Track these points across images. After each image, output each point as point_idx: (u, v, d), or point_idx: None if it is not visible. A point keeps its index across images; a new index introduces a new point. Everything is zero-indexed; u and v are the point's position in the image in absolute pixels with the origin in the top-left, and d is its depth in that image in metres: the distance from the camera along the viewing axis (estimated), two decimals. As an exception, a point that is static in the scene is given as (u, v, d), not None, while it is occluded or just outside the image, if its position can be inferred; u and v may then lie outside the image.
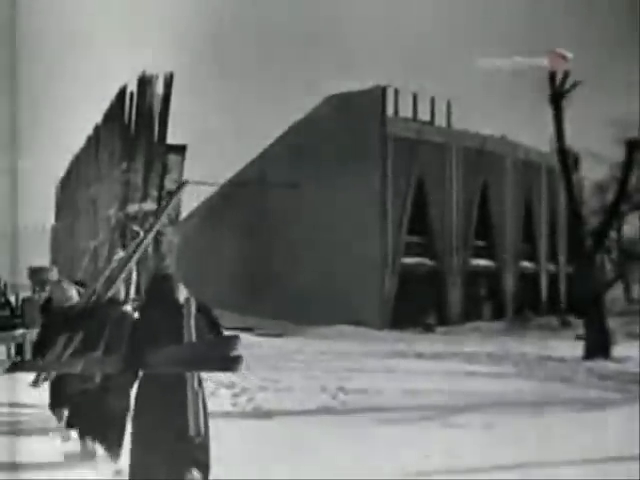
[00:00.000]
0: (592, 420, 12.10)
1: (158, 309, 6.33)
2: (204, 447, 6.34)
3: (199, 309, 6.41)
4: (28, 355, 16.97)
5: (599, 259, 28.34)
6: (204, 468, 6.31)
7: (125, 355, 6.47)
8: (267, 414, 11.84)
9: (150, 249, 30.96)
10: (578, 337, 24.35)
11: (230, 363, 6.43)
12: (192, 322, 6.17)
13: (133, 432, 6.42)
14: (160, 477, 6.13)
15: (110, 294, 7.89)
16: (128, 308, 8.15)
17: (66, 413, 8.97)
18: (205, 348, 6.32)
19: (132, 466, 6.30)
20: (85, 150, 39.89)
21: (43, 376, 11.30)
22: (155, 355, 6.17)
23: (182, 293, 6.40)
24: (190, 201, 39.28)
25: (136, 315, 6.98)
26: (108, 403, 7.86)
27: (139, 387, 6.41)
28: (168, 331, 6.17)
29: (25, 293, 19.05)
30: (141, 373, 6.41)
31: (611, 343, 22.81)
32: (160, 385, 6.22)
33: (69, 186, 44.23)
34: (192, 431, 6.17)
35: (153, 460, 6.16)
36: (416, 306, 35.00)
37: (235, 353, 6.43)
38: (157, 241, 31.45)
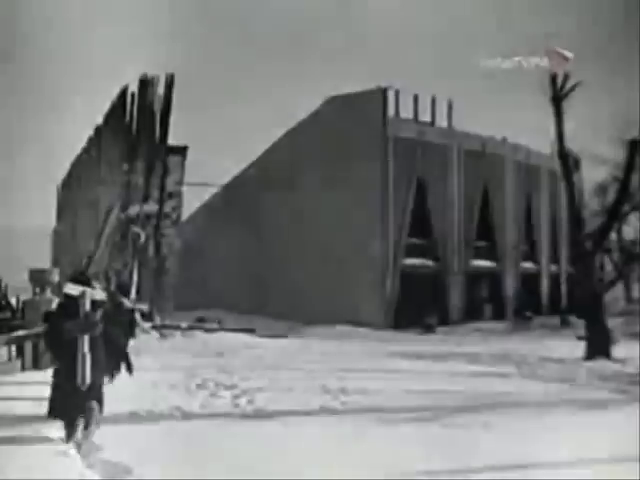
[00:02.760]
0: (593, 420, 12.10)
1: (68, 301, 9.41)
2: (92, 393, 9.14)
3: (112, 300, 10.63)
4: (28, 356, 17.06)
5: (599, 260, 28.35)
6: (90, 410, 9.20)
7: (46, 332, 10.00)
8: (268, 415, 11.85)
9: (151, 251, 31.02)
10: (579, 337, 24.36)
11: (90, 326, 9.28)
12: (85, 307, 9.21)
13: (53, 379, 9.51)
14: (66, 410, 9.19)
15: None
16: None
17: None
18: (85, 321, 9.22)
19: (51, 400, 9.51)
20: (86, 151, 39.91)
21: None
22: (63, 329, 9.18)
23: (75, 289, 9.37)
24: (192, 202, 39.33)
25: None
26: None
27: (55, 350, 9.64)
28: (74, 314, 9.19)
29: (26, 295, 19.08)
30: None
31: (612, 343, 22.82)
32: (65, 349, 9.14)
33: (70, 187, 44.27)
34: (79, 381, 8.99)
35: (62, 398, 9.24)
36: (417, 307, 35.02)
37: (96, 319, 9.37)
38: (158, 243, 31.49)
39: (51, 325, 9.66)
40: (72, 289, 9.48)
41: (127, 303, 13.13)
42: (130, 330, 13.66)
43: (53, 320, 9.66)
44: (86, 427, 9.26)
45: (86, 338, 9.14)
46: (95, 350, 9.27)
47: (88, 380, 9.06)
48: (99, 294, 9.67)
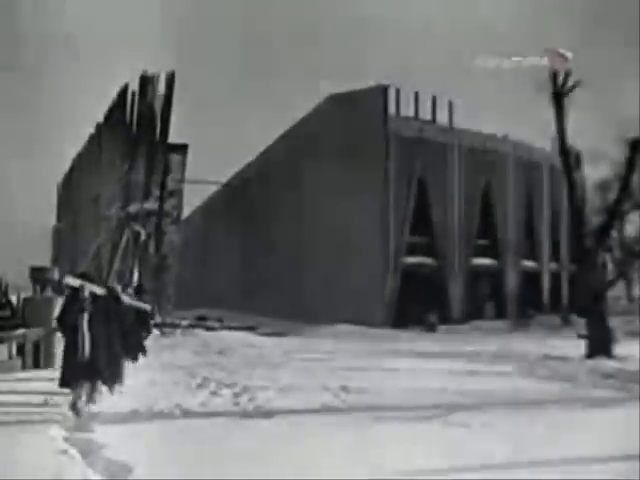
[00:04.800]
0: (593, 419, 12.09)
1: (73, 291, 11.83)
2: (91, 363, 11.54)
3: (110, 293, 12.50)
4: (29, 355, 17.07)
5: (601, 258, 28.28)
6: (94, 376, 11.86)
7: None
8: (268, 413, 11.84)
9: (152, 249, 31.01)
10: (580, 336, 24.33)
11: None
12: (84, 295, 11.63)
13: (62, 354, 11.88)
14: (71, 380, 11.58)
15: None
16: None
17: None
18: (80, 304, 11.62)
19: (61, 371, 11.74)
20: (87, 149, 39.92)
21: None
22: (70, 314, 11.73)
23: (74, 282, 11.85)
24: (192, 201, 39.32)
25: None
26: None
27: (62, 329, 12.05)
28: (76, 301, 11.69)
29: (26, 293, 19.05)
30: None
31: (613, 342, 22.80)
32: (69, 330, 11.64)
33: (71, 185, 44.28)
34: (79, 354, 11.40)
35: (69, 369, 11.55)
36: (418, 305, 34.99)
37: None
38: (158, 241, 31.49)
39: (60, 310, 12.20)
40: (72, 281, 11.93)
41: (127, 299, 14.07)
42: (146, 325, 15.63)
43: (62, 306, 12.19)
44: (89, 396, 11.81)
45: (85, 320, 11.48)
46: (95, 331, 11.65)
47: (87, 354, 11.43)
48: (98, 289, 12.10)
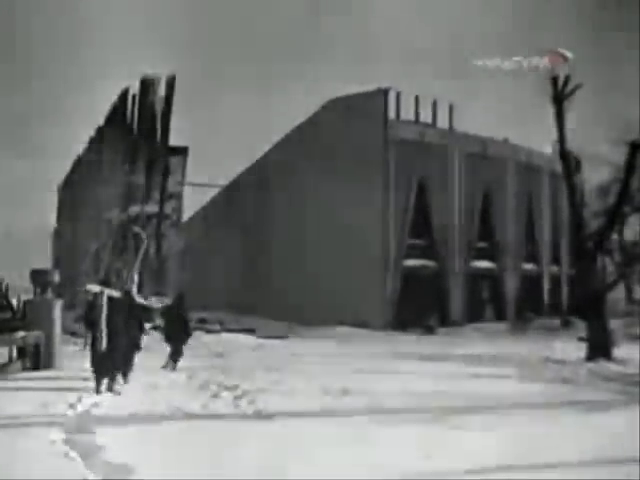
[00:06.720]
0: (594, 421, 12.09)
1: (95, 295, 14.19)
2: (109, 355, 13.81)
3: (126, 296, 14.64)
4: (29, 357, 17.09)
5: (601, 261, 28.30)
6: (113, 366, 14.04)
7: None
8: (269, 416, 11.85)
9: (152, 252, 31.03)
10: (580, 339, 24.35)
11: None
12: (101, 302, 13.81)
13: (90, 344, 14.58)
14: (97, 369, 13.97)
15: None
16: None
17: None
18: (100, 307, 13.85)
19: (91, 362, 14.23)
20: (87, 152, 39.93)
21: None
22: (92, 313, 14.31)
23: (95, 288, 14.16)
24: (192, 203, 39.33)
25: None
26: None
27: (88, 327, 14.92)
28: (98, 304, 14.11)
29: (26, 296, 19.06)
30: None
31: (613, 344, 22.81)
32: (92, 326, 14.13)
33: (71, 188, 44.25)
34: (98, 348, 13.78)
35: (94, 360, 14.12)
36: (418, 308, 34.99)
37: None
38: (159, 243, 31.51)
39: (86, 309, 14.83)
40: (93, 288, 14.20)
41: (152, 301, 16.69)
42: (185, 329, 18.23)
43: (87, 306, 14.76)
44: (110, 384, 13.74)
45: (103, 318, 13.67)
46: (113, 327, 13.77)
47: (103, 348, 13.62)
48: (115, 293, 14.05)
